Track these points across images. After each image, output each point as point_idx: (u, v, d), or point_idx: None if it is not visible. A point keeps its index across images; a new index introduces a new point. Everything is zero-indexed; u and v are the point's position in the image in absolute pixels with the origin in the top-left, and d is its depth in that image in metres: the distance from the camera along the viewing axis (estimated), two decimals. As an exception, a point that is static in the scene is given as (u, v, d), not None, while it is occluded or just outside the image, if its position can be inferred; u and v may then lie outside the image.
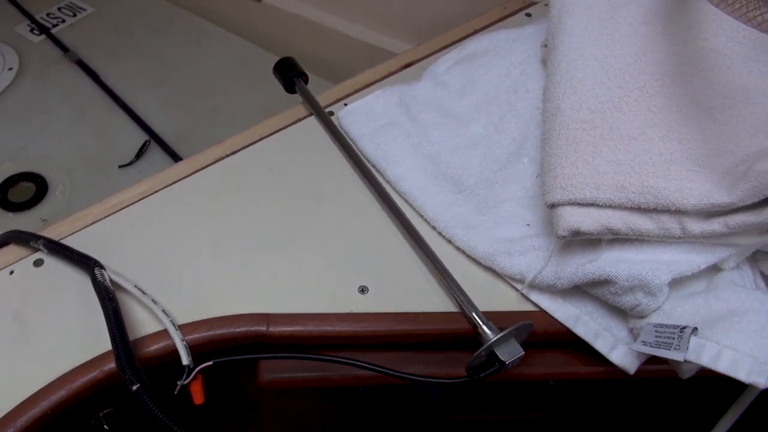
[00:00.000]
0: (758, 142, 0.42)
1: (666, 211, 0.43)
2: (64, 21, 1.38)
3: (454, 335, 0.53)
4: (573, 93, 0.48)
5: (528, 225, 0.55)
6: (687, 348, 0.42)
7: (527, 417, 0.86)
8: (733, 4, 0.37)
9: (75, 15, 1.40)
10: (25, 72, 1.25)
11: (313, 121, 0.69)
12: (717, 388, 0.50)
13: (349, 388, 0.79)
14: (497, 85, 0.62)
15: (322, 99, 0.71)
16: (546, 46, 0.57)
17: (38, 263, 0.56)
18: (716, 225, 0.42)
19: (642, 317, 0.48)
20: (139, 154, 1.06)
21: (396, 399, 0.83)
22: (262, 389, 0.54)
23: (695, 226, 0.43)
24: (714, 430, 0.51)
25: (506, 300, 0.54)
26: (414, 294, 0.54)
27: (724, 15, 0.41)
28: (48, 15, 1.40)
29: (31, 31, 1.35)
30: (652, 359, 0.50)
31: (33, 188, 1.02)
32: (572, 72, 0.49)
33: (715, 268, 0.48)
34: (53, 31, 1.35)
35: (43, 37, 1.33)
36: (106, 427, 0.56)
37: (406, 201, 0.60)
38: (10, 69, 1.25)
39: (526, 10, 0.81)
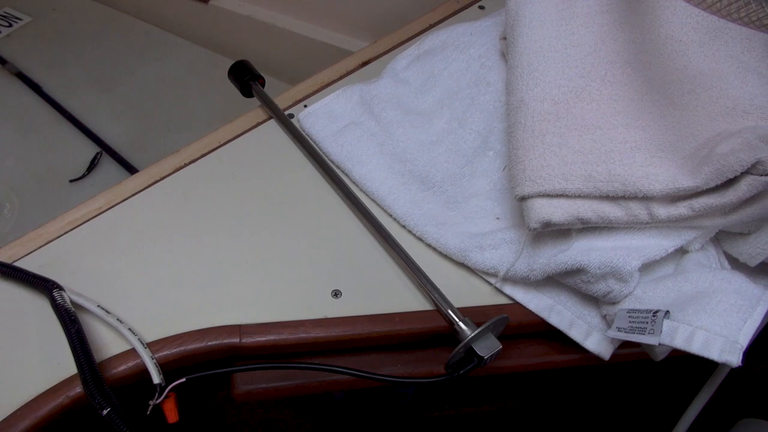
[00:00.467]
0: (717, 125, 0.43)
1: (634, 197, 0.44)
2: (-1, 32, 1.32)
3: (430, 333, 0.52)
4: (536, 85, 0.49)
5: (498, 218, 0.55)
6: (661, 331, 0.43)
7: (501, 407, 0.87)
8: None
9: (11, 25, 1.33)
10: (-40, 87, 1.19)
11: (273, 125, 0.67)
12: (688, 367, 0.51)
13: (325, 394, 0.78)
14: (458, 80, 0.62)
15: (280, 101, 0.70)
16: (505, 38, 0.57)
17: (-9, 289, 0.53)
18: (682, 209, 0.43)
19: (614, 303, 0.49)
20: (91, 166, 1.02)
21: (372, 400, 0.82)
22: (238, 401, 0.53)
23: (662, 210, 0.44)
24: (688, 410, 0.53)
25: (480, 294, 0.54)
26: (388, 295, 0.54)
27: (678, 1, 0.42)
28: (-19, 27, 1.33)
29: (-35, 43, 1.28)
30: (625, 343, 0.51)
31: (-23, 209, 0.97)
32: (534, 64, 0.50)
33: (681, 251, 0.49)
34: (-12, 42, 1.28)
35: (-23, 49, 1.27)
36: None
37: (374, 201, 0.59)
38: (-56, 84, 1.18)
39: (479, 3, 0.81)
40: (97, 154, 1.04)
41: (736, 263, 0.51)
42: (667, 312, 0.44)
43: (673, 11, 0.47)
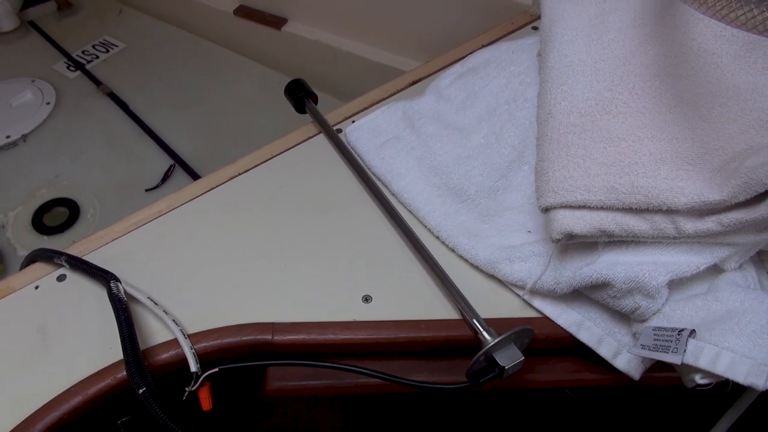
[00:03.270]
0: (749, 138, 0.42)
1: (658, 210, 0.43)
2: (98, 57, 1.46)
3: (456, 342, 0.53)
4: (564, 98, 0.49)
5: (529, 232, 0.55)
6: (685, 350, 0.42)
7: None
8: (713, 6, 0.38)
9: (108, 51, 1.48)
10: (61, 105, 1.33)
11: (321, 139, 0.71)
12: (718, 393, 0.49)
13: (366, 400, 0.80)
14: (498, 96, 0.63)
15: (331, 117, 0.74)
16: (539, 55, 0.58)
17: (61, 278, 0.59)
18: (710, 224, 0.42)
19: (643, 321, 0.48)
20: (165, 178, 1.11)
21: (413, 410, 0.83)
22: (275, 399, 0.55)
23: (689, 225, 0.43)
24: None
25: (509, 307, 0.54)
26: (417, 303, 0.55)
27: (711, 16, 0.42)
28: (83, 52, 1.48)
29: (68, 67, 1.43)
30: (659, 366, 0.50)
31: (66, 213, 1.07)
32: (563, 78, 0.50)
33: (717, 270, 0.47)
34: (88, 66, 1.43)
35: (78, 73, 1.41)
36: (124, 435, 0.58)
37: (410, 212, 0.61)
38: (48, 103, 1.32)
39: (533, 24, 0.82)
40: (171, 166, 1.13)
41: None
42: (693, 331, 0.42)
43: (706, 24, 0.46)
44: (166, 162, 1.14)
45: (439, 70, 0.77)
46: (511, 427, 0.84)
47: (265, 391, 0.55)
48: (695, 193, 0.41)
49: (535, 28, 0.81)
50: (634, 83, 0.48)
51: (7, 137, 1.23)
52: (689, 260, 0.45)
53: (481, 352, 0.48)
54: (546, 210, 0.47)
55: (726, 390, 0.43)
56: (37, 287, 0.59)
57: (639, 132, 0.45)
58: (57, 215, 1.07)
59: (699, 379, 0.43)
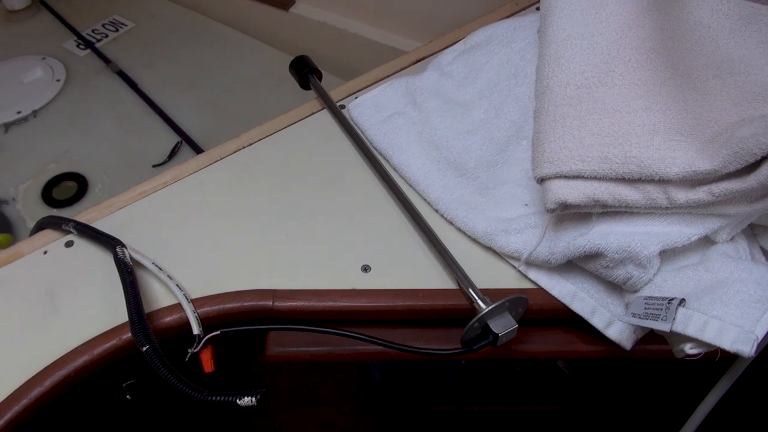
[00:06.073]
0: (742, 110, 0.42)
1: (650, 180, 0.44)
2: (107, 36, 1.47)
3: (453, 311, 0.54)
4: (561, 71, 0.50)
5: (526, 205, 0.56)
6: (674, 319, 0.43)
7: (546, 408, 0.86)
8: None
9: (117, 30, 1.49)
10: (71, 83, 1.34)
11: (325, 115, 0.72)
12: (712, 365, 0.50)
13: (366, 374, 0.81)
14: (499, 72, 0.64)
15: (335, 94, 0.75)
16: (540, 31, 0.59)
17: (69, 244, 0.61)
18: (702, 194, 0.43)
19: (635, 291, 0.48)
20: (172, 154, 1.12)
21: (414, 385, 0.84)
22: (270, 361, 0.57)
23: (681, 195, 0.43)
24: (702, 403, 0.51)
25: (505, 278, 0.55)
26: (415, 273, 0.56)
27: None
28: (93, 31, 1.49)
29: (78, 46, 1.44)
30: (651, 338, 0.51)
31: (75, 186, 1.09)
32: (561, 51, 0.51)
33: (709, 242, 0.48)
34: (97, 45, 1.44)
35: (88, 51, 1.42)
36: (129, 397, 0.59)
37: (410, 186, 0.62)
38: (58, 80, 1.33)
39: (537, 5, 0.82)
40: (178, 143, 1.14)
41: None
42: (683, 300, 0.43)
43: (704, -2, 0.47)
44: (173, 139, 1.15)
45: (442, 49, 0.78)
46: (508, 405, 0.86)
47: (266, 357, 0.56)
48: (687, 163, 0.42)
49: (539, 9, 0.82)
50: (630, 56, 0.48)
51: (18, 113, 1.25)
52: (681, 231, 0.46)
53: (476, 318, 0.49)
54: (541, 180, 0.48)
55: (714, 361, 0.44)
56: (45, 252, 0.61)
57: (633, 103, 0.46)
58: (66, 189, 1.09)
59: (689, 349, 0.44)
